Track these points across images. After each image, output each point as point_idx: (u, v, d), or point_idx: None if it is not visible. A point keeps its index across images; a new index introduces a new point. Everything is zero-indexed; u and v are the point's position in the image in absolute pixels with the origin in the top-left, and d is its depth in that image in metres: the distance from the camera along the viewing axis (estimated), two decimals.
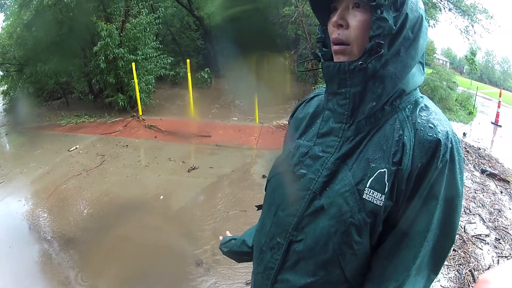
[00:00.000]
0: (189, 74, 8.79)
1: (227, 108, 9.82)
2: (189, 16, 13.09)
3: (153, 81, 9.60)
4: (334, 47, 0.83)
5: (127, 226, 4.22)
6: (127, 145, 7.13)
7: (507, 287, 0.46)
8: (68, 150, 7.21)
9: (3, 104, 15.36)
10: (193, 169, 5.53)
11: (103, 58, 8.81)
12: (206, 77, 11.40)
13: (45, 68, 10.21)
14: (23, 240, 4.42)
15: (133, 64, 8.63)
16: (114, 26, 8.88)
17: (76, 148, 7.28)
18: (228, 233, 1.36)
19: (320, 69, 0.88)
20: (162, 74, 10.03)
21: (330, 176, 0.84)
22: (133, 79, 8.73)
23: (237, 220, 3.96)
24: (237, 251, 1.24)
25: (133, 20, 9.04)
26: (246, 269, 3.05)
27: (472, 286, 2.98)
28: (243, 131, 7.19)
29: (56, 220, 4.83)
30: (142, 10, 9.21)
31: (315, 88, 9.13)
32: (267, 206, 0.99)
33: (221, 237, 1.35)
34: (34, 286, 3.45)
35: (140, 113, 8.84)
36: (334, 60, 0.84)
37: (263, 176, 4.75)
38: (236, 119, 8.59)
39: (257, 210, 1.16)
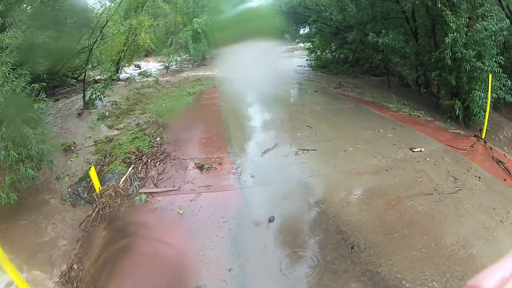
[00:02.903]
0: None
1: None
2: None
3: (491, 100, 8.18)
4: None
5: None
6: (479, 177, 5.66)
7: None
8: (412, 150, 6.32)
9: (306, 59, 16.64)
10: None
11: (450, 54, 7.96)
12: None
13: (377, 40, 9.79)
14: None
15: (490, 76, 7.57)
16: (461, 21, 7.87)
17: (421, 150, 6.32)
18: None
19: None
20: (501, 96, 8.32)
21: None
22: (476, 89, 7.83)
23: None
24: None
25: (482, 22, 7.86)
26: None
27: None
28: None
29: (391, 253, 3.68)
30: (490, 15, 8.04)
31: None
32: None
33: None
34: None
35: (483, 135, 7.47)
36: None
37: None
38: None
39: None
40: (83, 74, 13.13)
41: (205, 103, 10.03)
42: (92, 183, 5.06)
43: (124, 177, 5.10)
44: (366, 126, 7.27)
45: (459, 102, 8.29)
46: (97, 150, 7.11)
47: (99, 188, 4.81)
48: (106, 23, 12.90)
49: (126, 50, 16.64)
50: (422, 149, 6.23)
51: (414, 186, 5.01)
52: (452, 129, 7.80)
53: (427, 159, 5.94)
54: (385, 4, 10.62)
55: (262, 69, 13.33)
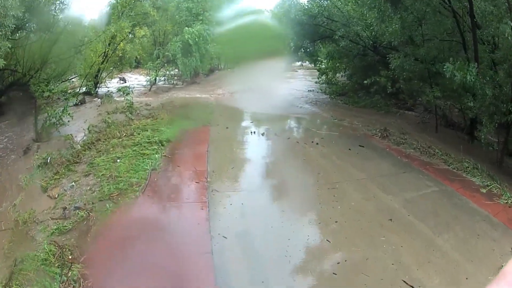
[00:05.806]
0: None
1: None
2: None
3: None
4: None
5: None
6: None
7: None
8: None
9: (316, 82, 14.03)
10: None
11: None
12: None
13: (455, 74, 6.77)
14: None
15: None
16: None
17: None
18: None
19: None
20: None
21: None
22: None
23: None
24: None
25: None
26: None
27: None
28: None
29: None
30: None
31: None
32: None
33: None
34: None
35: None
36: None
37: None
38: None
39: None
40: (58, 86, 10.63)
41: (184, 173, 6.11)
42: None
43: None
44: (488, 258, 4.04)
45: None
46: (8, 252, 4.33)
47: None
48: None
49: (106, 61, 14.07)
50: None
51: None
52: None
53: None
54: (448, 21, 7.93)
55: (270, 98, 10.64)
